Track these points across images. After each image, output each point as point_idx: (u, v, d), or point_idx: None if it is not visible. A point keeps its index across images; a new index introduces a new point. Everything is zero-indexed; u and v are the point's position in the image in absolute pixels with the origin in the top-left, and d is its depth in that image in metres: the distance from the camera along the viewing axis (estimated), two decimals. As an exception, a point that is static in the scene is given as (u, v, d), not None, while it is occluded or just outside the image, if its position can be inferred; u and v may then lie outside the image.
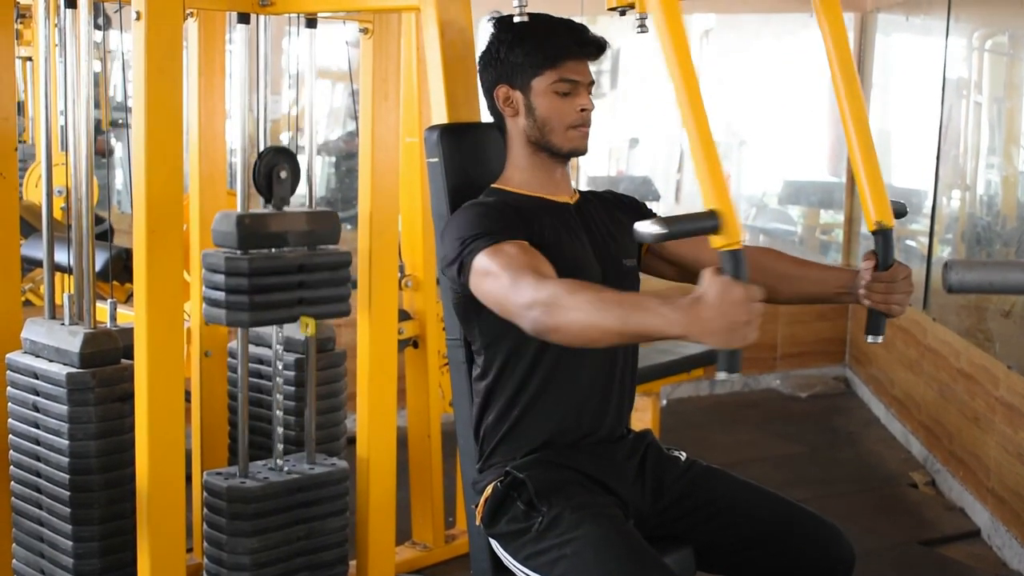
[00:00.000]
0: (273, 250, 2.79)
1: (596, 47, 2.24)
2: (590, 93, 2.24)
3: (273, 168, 2.82)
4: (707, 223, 1.71)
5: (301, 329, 2.82)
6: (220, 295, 2.72)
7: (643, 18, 2.29)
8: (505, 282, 1.99)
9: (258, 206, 2.91)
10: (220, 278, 2.71)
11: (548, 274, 2.00)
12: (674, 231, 1.74)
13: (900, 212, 2.08)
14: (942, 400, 4.86)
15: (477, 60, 2.32)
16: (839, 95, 1.89)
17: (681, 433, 5.13)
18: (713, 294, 1.70)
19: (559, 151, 2.23)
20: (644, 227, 1.73)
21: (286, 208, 2.86)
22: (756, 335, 1.70)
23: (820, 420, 5.88)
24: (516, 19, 2.14)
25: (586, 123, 2.23)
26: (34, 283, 4.46)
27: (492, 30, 2.28)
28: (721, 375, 1.74)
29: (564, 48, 2.20)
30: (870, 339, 2.09)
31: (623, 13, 2.38)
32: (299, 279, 2.80)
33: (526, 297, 1.92)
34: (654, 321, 1.76)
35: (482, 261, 2.04)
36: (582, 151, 2.25)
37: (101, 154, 4.46)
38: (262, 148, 2.97)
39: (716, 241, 1.73)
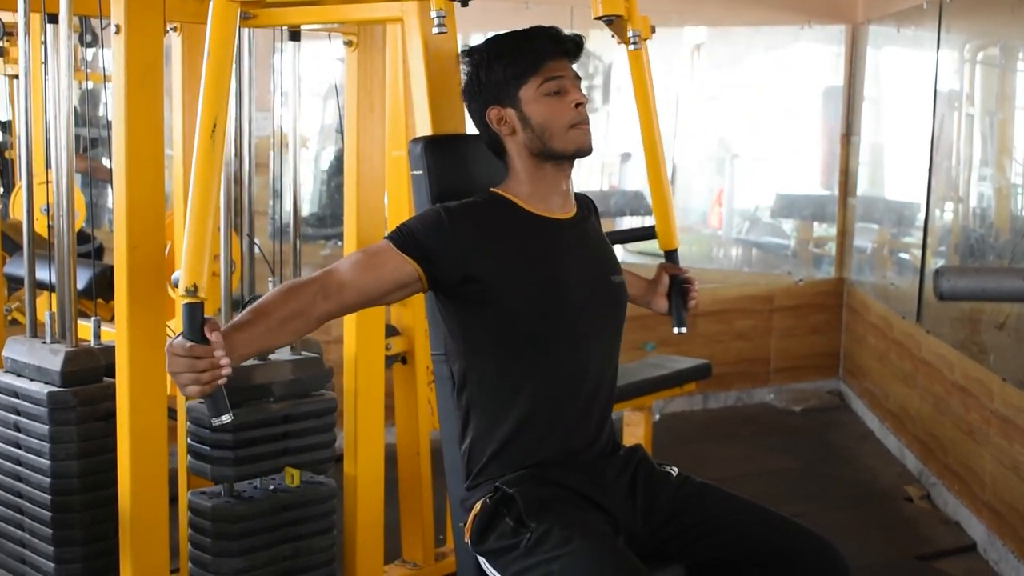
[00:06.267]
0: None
1: (573, 44, 2.21)
2: (579, 88, 2.20)
3: None
4: None
5: (287, 480, 2.80)
6: (206, 449, 2.69)
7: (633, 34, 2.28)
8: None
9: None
10: (205, 432, 2.69)
11: (337, 286, 2.07)
12: None
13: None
14: (937, 413, 4.83)
15: (461, 93, 2.29)
16: (641, 123, 1.91)
17: (674, 448, 5.10)
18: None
19: (563, 154, 2.19)
20: None
21: (271, 357, 2.81)
22: (196, 390, 1.91)
23: (814, 434, 5.86)
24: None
25: (584, 119, 2.19)
26: (20, 302, 4.42)
27: (465, 63, 2.26)
28: None
29: (541, 50, 2.18)
30: (678, 330, 2.50)
31: (610, 22, 2.37)
32: (284, 430, 2.78)
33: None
34: None
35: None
36: (587, 149, 2.20)
37: (84, 172, 4.43)
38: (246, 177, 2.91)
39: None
